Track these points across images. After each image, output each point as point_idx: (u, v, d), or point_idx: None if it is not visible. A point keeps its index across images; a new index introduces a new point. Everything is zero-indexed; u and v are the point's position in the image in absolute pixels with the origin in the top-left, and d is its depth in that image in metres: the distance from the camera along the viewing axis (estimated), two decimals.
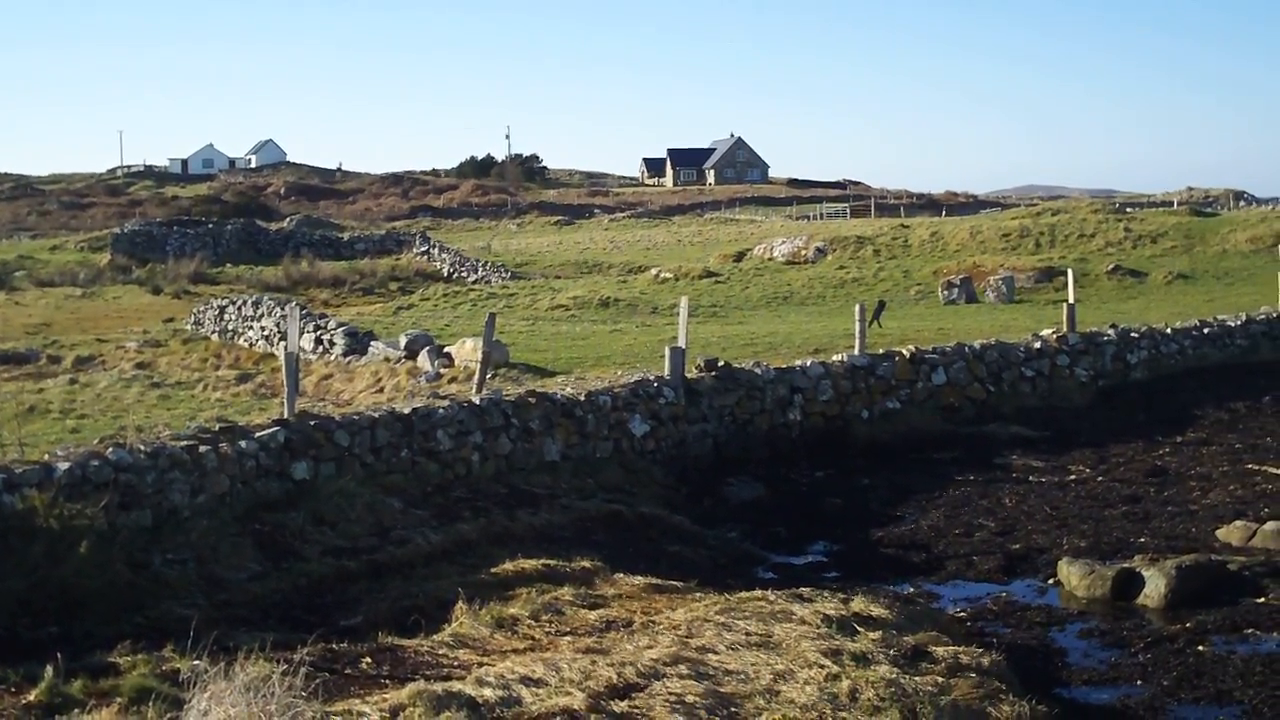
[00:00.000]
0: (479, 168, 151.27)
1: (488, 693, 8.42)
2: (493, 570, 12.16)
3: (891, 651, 9.45)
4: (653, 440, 17.81)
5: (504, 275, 54.49)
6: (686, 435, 18.26)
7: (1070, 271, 28.14)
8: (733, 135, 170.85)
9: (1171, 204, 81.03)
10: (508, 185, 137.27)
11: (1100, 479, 17.15)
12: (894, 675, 8.85)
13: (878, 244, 51.29)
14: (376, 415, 15.45)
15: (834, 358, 20.73)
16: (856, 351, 20.89)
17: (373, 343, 25.36)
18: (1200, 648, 10.74)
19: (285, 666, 8.00)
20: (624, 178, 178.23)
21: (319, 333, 26.79)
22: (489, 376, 18.57)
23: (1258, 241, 46.06)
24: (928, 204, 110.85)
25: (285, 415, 15.03)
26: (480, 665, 9.28)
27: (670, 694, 8.50)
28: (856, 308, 21.80)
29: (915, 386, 20.82)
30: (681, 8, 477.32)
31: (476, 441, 15.92)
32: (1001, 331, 25.91)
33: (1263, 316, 27.04)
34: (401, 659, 9.55)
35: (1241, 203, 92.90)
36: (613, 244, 76.02)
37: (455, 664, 9.46)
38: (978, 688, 8.85)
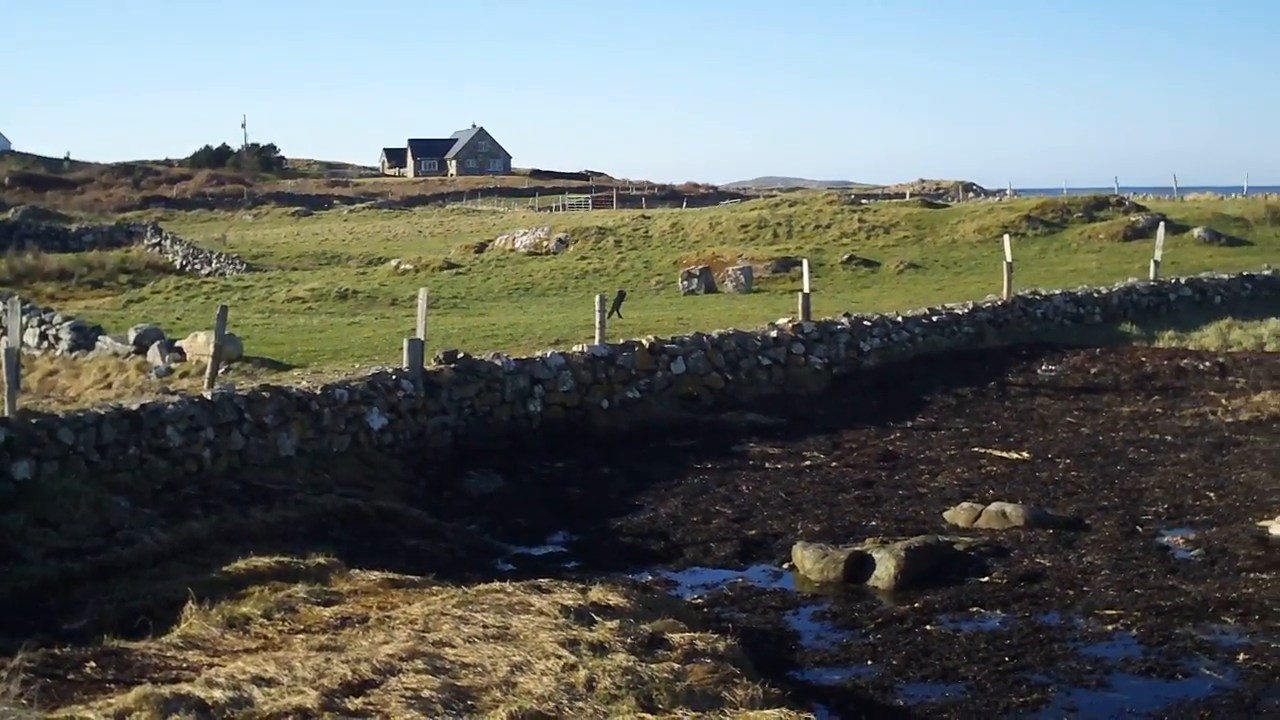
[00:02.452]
0: (214, 158, 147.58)
1: (218, 694, 8.21)
2: (225, 569, 11.83)
3: (629, 640, 9.48)
4: (391, 433, 17.60)
5: (239, 267, 53.30)
6: (426, 428, 18.10)
7: (806, 262, 28.66)
8: (475, 125, 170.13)
9: (904, 196, 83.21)
10: (244, 175, 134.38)
11: (834, 464, 17.53)
12: (631, 663, 8.88)
13: (619, 235, 51.58)
14: (103, 412, 14.96)
15: (575, 348, 20.78)
16: (597, 342, 20.98)
17: (101, 338, 24.52)
18: (928, 627, 11.05)
19: (1, 673, 7.68)
20: (364, 168, 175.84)
21: (44, 327, 25.80)
22: (222, 371, 18.14)
23: (985, 232, 47.54)
24: (669, 195, 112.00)
25: (5, 414, 14.44)
26: (210, 666, 9.04)
27: (406, 689, 8.40)
28: (597, 298, 21.89)
29: (655, 376, 21.00)
30: None
31: (208, 438, 15.52)
32: (740, 321, 26.28)
33: (988, 304, 27.96)
34: (128, 662, 9.24)
35: (971, 194, 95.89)
36: (352, 235, 75.01)
37: (184, 666, 9.19)
38: (713, 673, 8.93)
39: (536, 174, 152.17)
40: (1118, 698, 9.44)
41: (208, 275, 51.70)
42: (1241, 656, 10.09)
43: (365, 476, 16.45)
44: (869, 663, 10.24)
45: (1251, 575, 12.15)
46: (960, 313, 27.04)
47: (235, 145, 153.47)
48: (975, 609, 11.49)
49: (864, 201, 66.70)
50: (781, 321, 24.20)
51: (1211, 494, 15.33)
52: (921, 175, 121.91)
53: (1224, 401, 21.00)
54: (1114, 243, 45.09)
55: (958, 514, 14.48)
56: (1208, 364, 24.53)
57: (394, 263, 46.00)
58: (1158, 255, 32.90)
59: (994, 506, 14.41)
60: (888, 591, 12.08)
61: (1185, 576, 12.20)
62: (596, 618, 10.02)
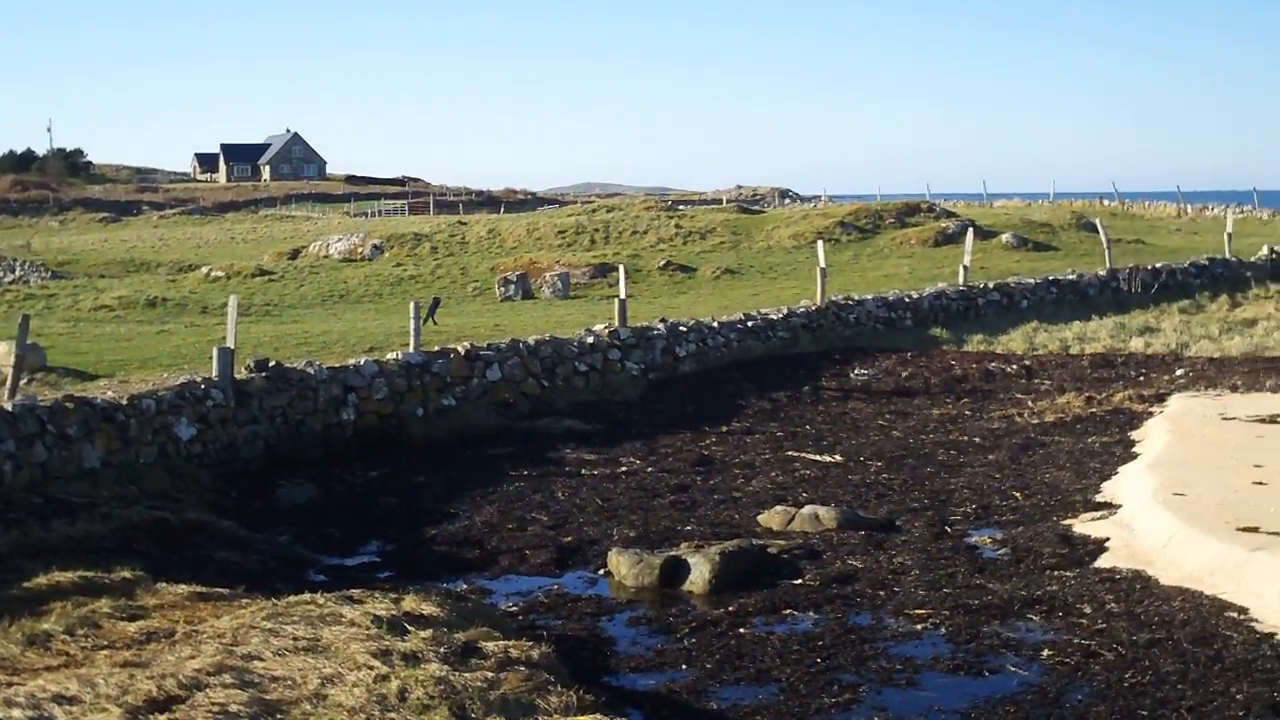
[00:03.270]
0: (18, 162, 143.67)
1: (17, 714, 7.95)
2: (25, 585, 11.47)
3: (442, 649, 9.39)
4: (201, 444, 17.24)
5: (44, 275, 51.92)
6: (237, 438, 17.77)
7: (622, 267, 28.76)
8: (289, 130, 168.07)
9: (721, 202, 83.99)
10: (50, 181, 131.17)
11: (650, 470, 17.58)
12: (444, 673, 8.79)
13: (435, 241, 51.33)
14: None
15: (389, 356, 20.57)
16: (412, 349, 20.79)
17: None
18: (742, 630, 11.10)
19: None
20: (175, 173, 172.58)
21: None
22: (24, 382, 17.58)
23: (800, 238, 48.20)
24: (487, 201, 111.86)
25: None
26: (10, 685, 8.74)
27: (213, 704, 8.20)
28: (412, 305, 21.70)
29: (471, 383, 20.87)
30: None
31: (9, 450, 15.03)
32: (556, 327, 26.27)
33: (803, 310, 28.33)
34: None
35: (787, 201, 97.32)
36: (162, 242, 73.54)
37: None
38: (527, 680, 8.88)
39: (352, 179, 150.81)
40: (927, 696, 9.58)
41: (10, 283, 50.20)
42: (1046, 653, 10.30)
43: (174, 488, 16.07)
44: (683, 667, 10.26)
45: (1056, 573, 12.42)
46: (775, 318, 27.34)
47: (40, 149, 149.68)
48: (789, 611, 11.58)
49: (682, 208, 67.23)
50: (598, 328, 24.23)
51: (1018, 494, 15.67)
52: (739, 181, 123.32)
53: (1030, 403, 21.50)
54: (925, 248, 46.03)
55: (772, 517, 14.60)
56: (1015, 367, 25.13)
57: (205, 270, 45.19)
58: (967, 260, 33.61)
59: (807, 509, 14.57)
60: (702, 596, 12.12)
61: (992, 575, 12.43)
62: (409, 627, 9.91)
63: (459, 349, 21.20)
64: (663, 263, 43.55)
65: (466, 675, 8.83)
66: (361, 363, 19.94)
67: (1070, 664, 10.04)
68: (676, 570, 12.51)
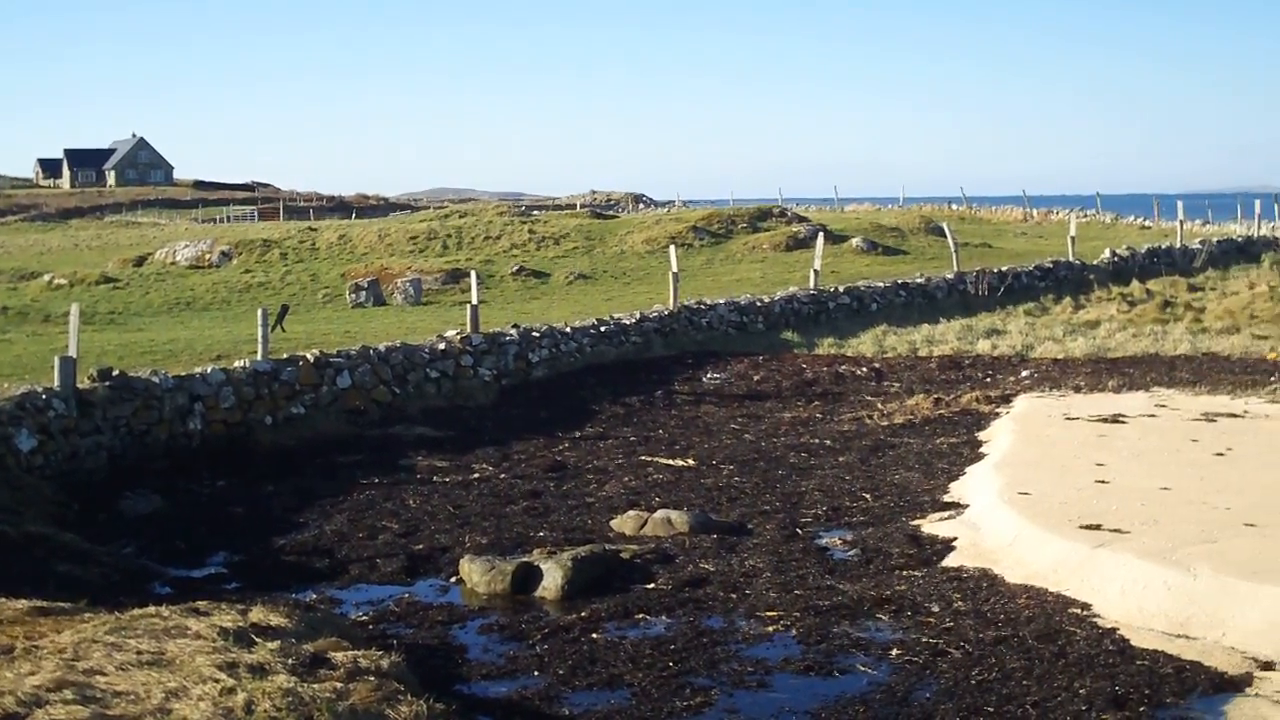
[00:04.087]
0: None
1: None
2: None
3: (290, 660, 9.23)
4: (42, 455, 16.81)
5: None
6: (79, 449, 17.37)
7: (475, 273, 28.62)
8: (135, 135, 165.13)
9: (575, 207, 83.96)
10: None
11: (503, 476, 17.49)
12: (292, 684, 8.64)
13: (285, 247, 50.73)
14: None
15: (237, 364, 20.25)
16: (260, 357, 20.50)
17: None
18: (595, 635, 11.07)
19: None
20: (17, 179, 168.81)
21: None
22: None
23: (653, 243, 48.36)
24: (338, 206, 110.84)
25: None
26: None
27: None
28: (260, 312, 21.39)
29: (320, 391, 20.63)
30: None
31: None
32: (408, 333, 26.07)
33: (655, 314, 28.42)
34: None
35: (642, 206, 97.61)
36: (3, 249, 71.88)
37: None
38: (377, 690, 8.77)
39: (200, 185, 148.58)
40: (778, 697, 9.62)
41: None
42: (895, 652, 10.40)
43: (14, 501, 15.64)
44: (536, 673, 10.20)
45: (904, 573, 12.56)
46: (628, 323, 27.40)
47: None
48: (641, 616, 11.58)
49: (535, 213, 67.16)
50: (450, 334, 24.08)
51: (868, 495, 15.82)
52: (593, 187, 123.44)
53: (880, 405, 21.74)
54: (777, 252, 46.40)
55: (624, 522, 14.60)
56: (865, 369, 25.42)
57: (47, 277, 44.28)
58: (817, 264, 33.93)
59: (660, 514, 14.58)
60: (555, 602, 12.08)
61: (843, 576, 12.53)
62: (257, 639, 9.74)
63: (308, 356, 20.94)
64: (516, 268, 43.46)
65: (315, 686, 8.69)
66: (208, 371, 19.61)
67: (919, 662, 10.14)
68: (529, 577, 12.45)
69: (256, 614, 10.43)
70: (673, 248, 33.03)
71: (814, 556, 13.23)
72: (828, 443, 19.13)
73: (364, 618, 11.82)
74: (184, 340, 26.60)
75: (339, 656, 9.49)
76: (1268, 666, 10.02)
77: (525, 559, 12.78)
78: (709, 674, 10.08)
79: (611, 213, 74.43)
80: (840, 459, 17.96)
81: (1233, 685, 9.66)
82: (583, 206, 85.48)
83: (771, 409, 22.10)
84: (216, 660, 9.17)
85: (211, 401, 19.10)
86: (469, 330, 24.01)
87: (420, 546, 14.09)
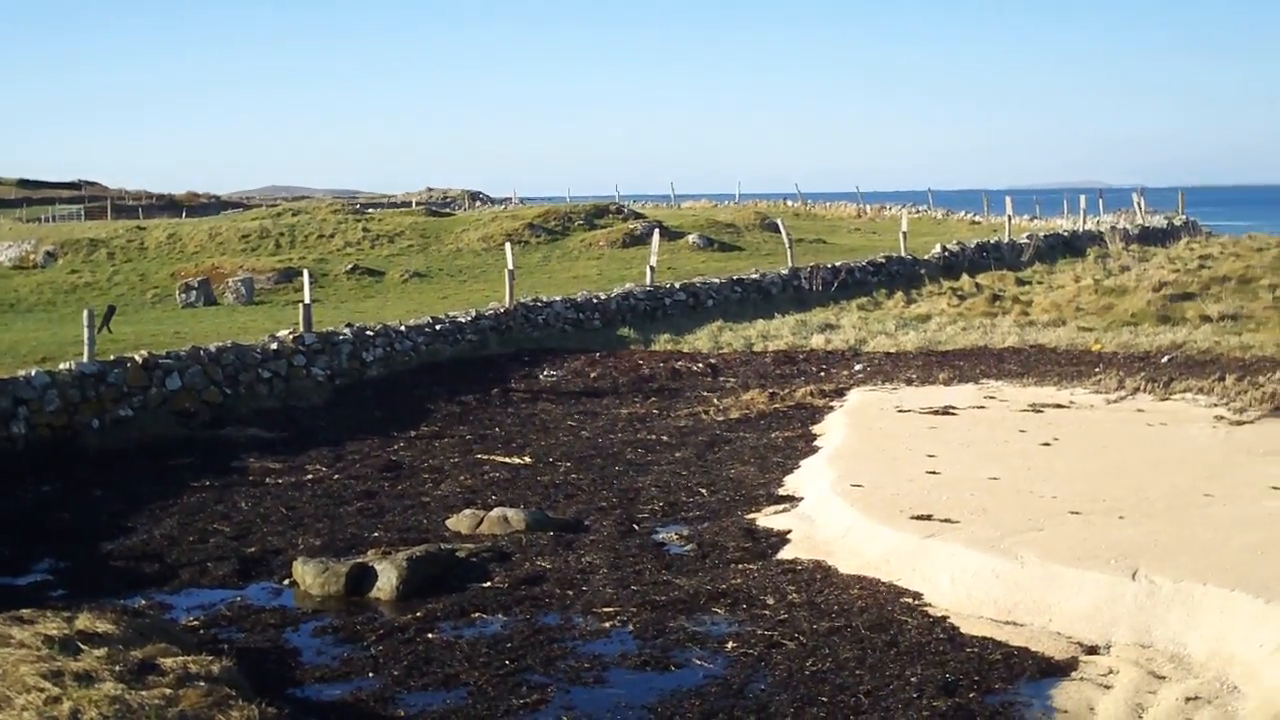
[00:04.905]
0: None
1: None
2: None
3: (118, 668, 9.05)
4: None
5: None
6: None
7: (307, 272, 28.30)
8: None
9: (411, 205, 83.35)
10: None
11: (337, 477, 17.29)
12: (119, 692, 8.47)
13: (113, 246, 49.74)
14: None
15: (62, 366, 19.74)
16: (86, 359, 20.03)
17: None
18: (430, 635, 10.98)
19: None
20: None
21: None
22: None
23: (489, 240, 48.21)
24: (169, 205, 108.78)
25: None
26: None
27: None
28: (85, 313, 20.91)
29: (149, 393, 20.20)
30: None
31: None
32: (240, 333, 25.68)
33: (491, 312, 28.31)
34: None
35: (479, 203, 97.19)
36: None
37: None
38: (207, 696, 8.62)
39: (25, 184, 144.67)
40: (615, 693, 9.63)
41: None
42: (730, 645, 10.47)
43: None
44: (370, 675, 10.09)
45: (740, 566, 12.65)
46: (463, 320, 27.27)
47: None
48: (477, 614, 11.52)
49: (370, 211, 66.53)
50: (282, 333, 23.75)
51: (704, 490, 15.91)
52: (430, 184, 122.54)
53: (716, 401, 21.87)
54: (614, 249, 46.51)
55: (460, 521, 14.52)
56: (701, 365, 25.57)
57: None
58: (653, 261, 34.08)
59: (496, 512, 14.53)
60: (390, 602, 11.97)
61: (679, 571, 12.58)
62: (83, 646, 9.54)
63: (136, 357, 20.50)
64: (350, 267, 43.04)
65: (143, 693, 8.53)
66: (32, 374, 19.09)
67: (754, 655, 10.22)
68: (363, 577, 12.32)
69: (83, 621, 10.21)
70: (508, 245, 32.95)
71: (650, 552, 13.28)
72: (664, 438, 19.20)
73: (194, 622, 11.60)
74: (7, 343, 25.93)
75: (168, 663, 9.32)
76: (1092, 650, 10.26)
77: (359, 560, 12.65)
78: (545, 671, 10.05)
79: (448, 210, 74.04)
80: (677, 454, 18.03)
81: (1059, 670, 9.88)
82: (419, 204, 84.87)
83: (608, 405, 22.13)
84: (41, 669, 8.95)
85: (36, 405, 18.61)
86: (302, 330, 23.70)
87: (252, 549, 13.87)
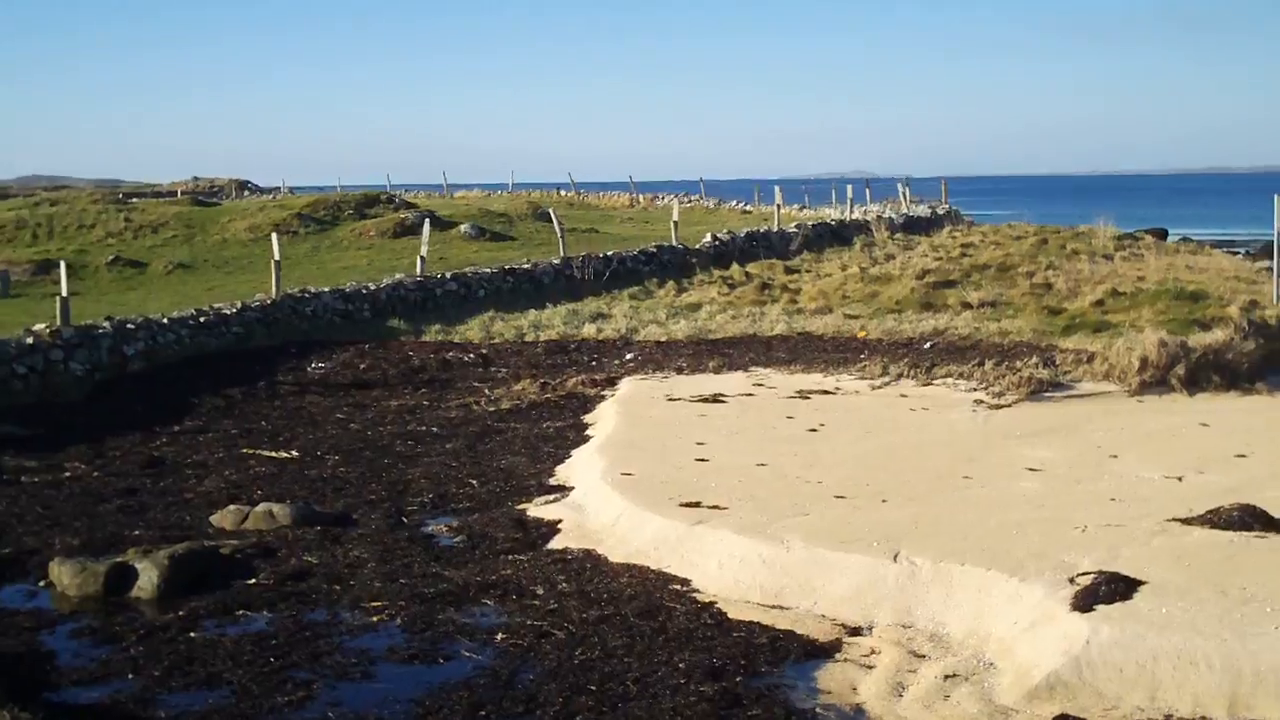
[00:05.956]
0: None
1: None
2: None
3: None
4: None
5: None
6: None
7: (64, 264, 27.46)
8: None
9: (176, 194, 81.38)
10: None
11: (97, 474, 16.80)
12: None
13: None
14: None
15: None
16: None
17: None
18: (193, 634, 10.74)
19: None
20: None
21: None
22: None
23: (257, 230, 47.27)
24: None
25: None
26: None
27: None
28: None
29: None
30: None
31: None
32: None
33: (257, 304, 27.79)
34: None
35: (247, 192, 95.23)
36: None
37: None
38: None
39: None
40: (382, 687, 9.54)
41: None
42: (500, 636, 10.45)
43: None
44: (130, 676, 9.82)
45: (510, 557, 12.64)
46: (229, 313, 26.73)
47: None
48: (242, 612, 11.30)
49: (133, 200, 64.70)
50: (39, 327, 22.97)
51: (474, 481, 15.84)
52: (196, 173, 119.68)
53: (487, 391, 21.80)
54: (385, 239, 45.99)
55: (225, 517, 14.21)
56: (472, 356, 25.46)
57: None
58: (424, 251, 33.81)
59: (262, 507, 14.26)
60: (151, 602, 11.66)
61: (449, 563, 12.52)
62: None
63: None
64: (111, 258, 41.86)
65: None
66: None
67: (523, 645, 10.21)
68: (123, 577, 11.99)
69: None
70: (275, 235, 32.41)
71: (420, 544, 13.18)
72: (435, 430, 19.08)
73: None
74: None
75: None
76: (855, 632, 10.50)
77: (119, 559, 12.30)
78: (311, 667, 9.91)
79: (215, 200, 72.37)
80: (447, 445, 17.93)
81: (823, 652, 10.09)
82: (185, 194, 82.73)
83: (378, 397, 21.91)
84: None
85: None
86: (59, 323, 22.99)
87: (6, 550, 13.37)
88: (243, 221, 49.30)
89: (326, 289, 30.04)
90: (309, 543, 13.27)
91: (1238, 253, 49.97)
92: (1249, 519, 11.82)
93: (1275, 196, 27.03)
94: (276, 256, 29.51)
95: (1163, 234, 55.33)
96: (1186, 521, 12.00)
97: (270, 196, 76.38)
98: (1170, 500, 12.94)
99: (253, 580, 12.19)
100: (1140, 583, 10.17)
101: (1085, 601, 9.85)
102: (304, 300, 28.77)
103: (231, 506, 14.52)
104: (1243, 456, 15.19)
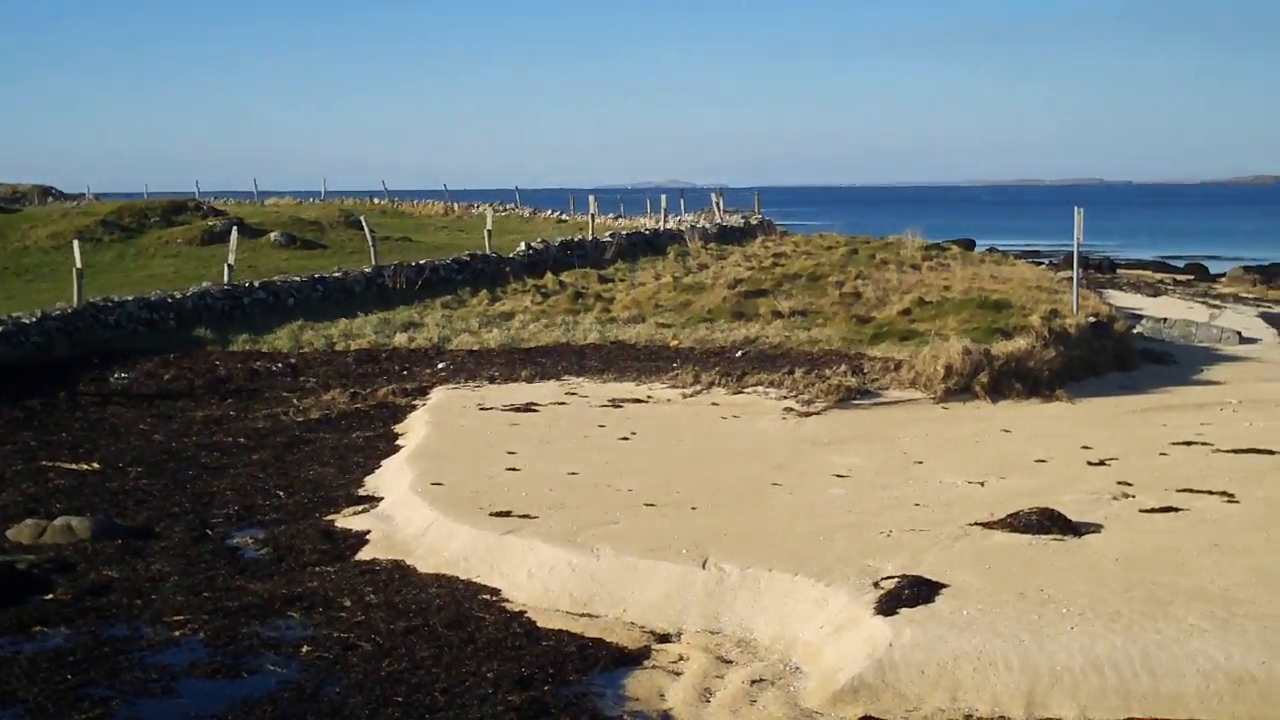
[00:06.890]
0: None
1: None
2: None
3: None
4: None
5: None
6: None
7: None
8: None
9: None
10: None
11: None
12: None
13: None
14: None
15: None
16: None
17: None
18: None
19: None
20: None
21: None
22: None
23: (59, 237, 46.03)
24: None
25: None
26: None
27: None
28: None
29: None
30: None
31: None
32: None
33: (58, 312, 27.10)
34: None
35: (50, 198, 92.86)
36: None
37: None
38: None
39: None
40: (183, 703, 9.34)
41: None
42: (305, 649, 10.30)
43: None
44: None
45: (317, 569, 12.48)
46: (28, 322, 26.01)
47: None
48: (38, 628, 10.97)
49: None
50: None
51: (281, 492, 15.62)
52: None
53: (295, 401, 21.51)
54: (192, 247, 45.11)
55: (21, 531, 13.80)
56: (281, 365, 25.09)
57: None
58: (232, 259, 33.24)
59: (60, 520, 13.88)
60: None
61: (254, 576, 12.32)
62: None
63: None
64: None
65: None
66: None
67: (329, 658, 10.09)
68: None
69: None
70: (76, 243, 31.64)
71: (224, 557, 12.96)
72: (241, 440, 18.77)
73: None
74: None
75: None
76: (664, 639, 10.56)
77: None
78: (110, 684, 9.67)
79: (17, 206, 70.47)
80: (254, 456, 17.64)
81: (632, 659, 10.13)
82: None
83: (184, 408, 21.48)
84: None
85: None
86: None
87: None
88: (45, 228, 48.00)
89: (131, 298, 29.35)
90: (109, 556, 12.96)
91: (1042, 263, 51.49)
92: (1047, 522, 12.17)
93: (1075, 209, 27.81)
94: (79, 264, 28.82)
95: (970, 244, 56.78)
96: (988, 525, 12.31)
97: (75, 204, 74.51)
98: (973, 505, 13.26)
99: (50, 595, 11.85)
100: (942, 586, 10.40)
101: (889, 605, 10.04)
102: (107, 309, 28.11)
103: (29, 520, 14.10)
104: (1042, 461, 15.62)
